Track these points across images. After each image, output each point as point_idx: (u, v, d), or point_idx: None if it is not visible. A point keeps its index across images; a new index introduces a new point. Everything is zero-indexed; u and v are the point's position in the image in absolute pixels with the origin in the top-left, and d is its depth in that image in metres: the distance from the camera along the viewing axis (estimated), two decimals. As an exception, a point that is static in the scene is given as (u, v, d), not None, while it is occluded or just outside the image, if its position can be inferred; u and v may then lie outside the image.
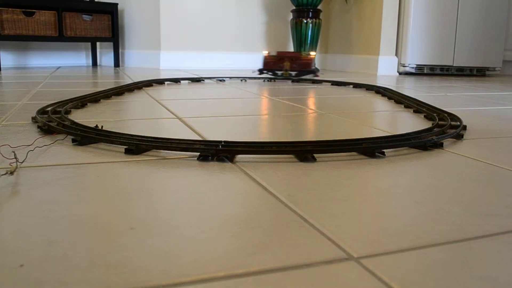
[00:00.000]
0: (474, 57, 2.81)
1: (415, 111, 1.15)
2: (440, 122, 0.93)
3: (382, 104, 1.30)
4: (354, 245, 0.37)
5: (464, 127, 0.91)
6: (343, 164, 0.63)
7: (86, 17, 2.56)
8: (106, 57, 2.95)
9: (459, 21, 2.72)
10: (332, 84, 1.91)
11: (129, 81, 1.79)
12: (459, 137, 0.82)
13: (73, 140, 0.71)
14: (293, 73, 1.98)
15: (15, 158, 0.57)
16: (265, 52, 2.01)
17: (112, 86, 1.61)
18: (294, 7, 2.79)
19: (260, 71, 2.03)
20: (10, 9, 2.35)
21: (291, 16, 2.97)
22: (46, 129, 0.78)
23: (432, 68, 2.74)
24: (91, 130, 0.74)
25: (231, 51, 2.89)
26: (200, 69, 2.68)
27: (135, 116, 0.98)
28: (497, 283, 0.31)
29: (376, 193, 0.50)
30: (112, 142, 0.69)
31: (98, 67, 2.71)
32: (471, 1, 2.73)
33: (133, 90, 1.49)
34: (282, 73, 1.95)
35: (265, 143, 0.66)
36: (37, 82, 1.71)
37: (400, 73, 2.74)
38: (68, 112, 1.00)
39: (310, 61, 1.97)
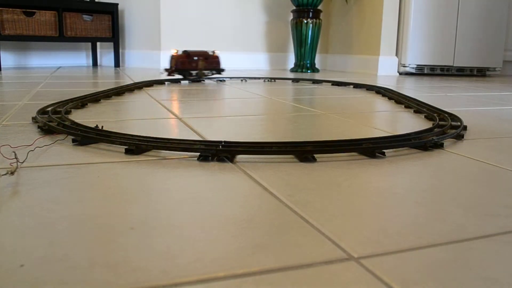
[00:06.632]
0: (474, 57, 2.81)
1: (415, 111, 1.15)
2: (441, 123, 0.93)
3: (382, 104, 1.30)
4: (354, 245, 0.37)
5: (465, 128, 0.91)
6: (343, 165, 0.63)
7: (86, 17, 2.56)
8: (106, 57, 2.95)
9: (459, 21, 2.72)
10: (332, 84, 1.91)
11: (129, 81, 1.79)
12: (459, 137, 0.82)
13: (73, 140, 0.71)
14: (206, 72, 1.86)
15: (16, 158, 0.57)
16: (174, 51, 1.80)
17: (113, 86, 1.61)
18: (294, 7, 2.79)
19: (169, 72, 1.81)
20: (10, 9, 2.35)
21: (291, 16, 2.97)
22: (47, 129, 0.78)
23: (432, 68, 2.74)
24: (92, 130, 0.74)
25: (231, 51, 2.89)
26: (201, 69, 2.68)
27: (136, 116, 0.98)
28: (498, 283, 0.31)
29: (376, 193, 0.50)
30: (112, 142, 0.69)
31: (99, 67, 2.71)
32: (471, 1, 2.73)
33: (134, 90, 1.49)
34: (197, 73, 1.83)
35: (265, 144, 0.66)
36: (38, 82, 1.71)
37: (400, 73, 2.73)
38: (68, 112, 1.00)
39: (218, 60, 1.89)
